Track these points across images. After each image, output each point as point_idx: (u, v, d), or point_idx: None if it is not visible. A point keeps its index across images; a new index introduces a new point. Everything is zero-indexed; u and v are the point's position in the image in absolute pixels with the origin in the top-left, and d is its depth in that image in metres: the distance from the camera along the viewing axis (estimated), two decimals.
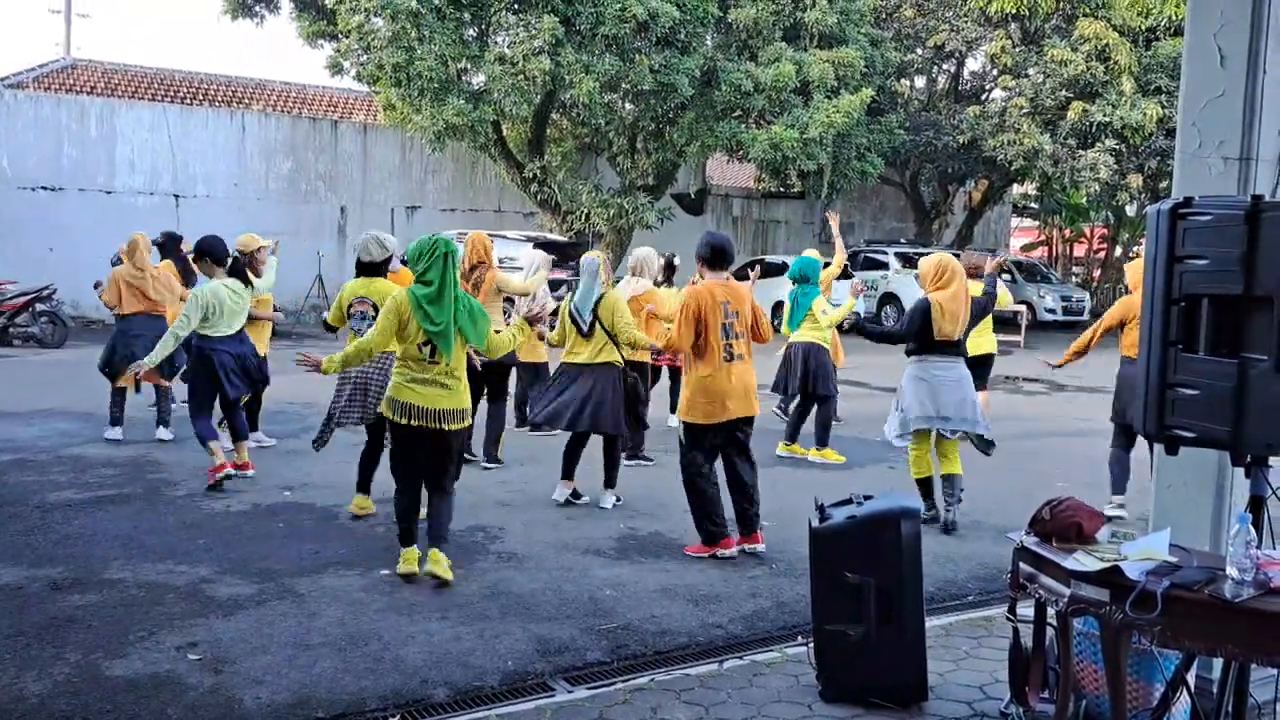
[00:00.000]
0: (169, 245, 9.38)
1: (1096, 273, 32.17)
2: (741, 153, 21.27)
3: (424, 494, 5.31)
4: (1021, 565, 3.27)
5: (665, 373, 9.38)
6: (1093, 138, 21.87)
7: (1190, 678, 3.32)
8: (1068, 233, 35.86)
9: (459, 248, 5.26)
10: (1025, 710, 3.46)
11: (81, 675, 4.04)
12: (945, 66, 26.42)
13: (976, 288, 7.11)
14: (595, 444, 6.98)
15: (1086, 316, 24.05)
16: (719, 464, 5.86)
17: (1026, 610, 3.45)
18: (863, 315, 8.78)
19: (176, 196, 20.06)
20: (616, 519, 6.56)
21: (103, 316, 10.24)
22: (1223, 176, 3.57)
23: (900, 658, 3.83)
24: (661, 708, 3.84)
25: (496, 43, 18.77)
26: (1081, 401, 12.67)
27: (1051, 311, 24.13)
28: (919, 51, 24.93)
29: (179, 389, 8.65)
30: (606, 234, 20.07)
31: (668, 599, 5.10)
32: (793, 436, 8.75)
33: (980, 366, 8.90)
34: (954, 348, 6.43)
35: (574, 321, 6.76)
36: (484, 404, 7.79)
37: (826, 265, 10.09)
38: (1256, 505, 2.93)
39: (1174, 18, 20.24)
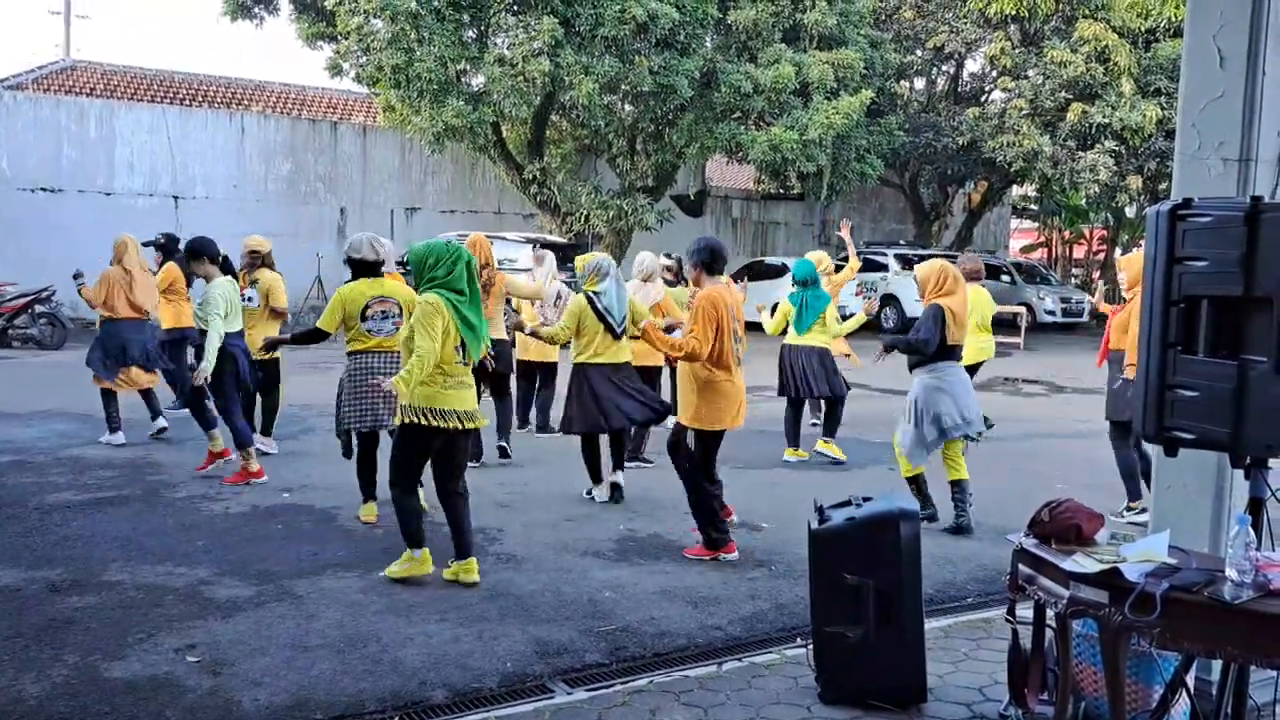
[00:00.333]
0: (170, 247, 9.37)
1: (1096, 274, 32.17)
2: (741, 154, 21.27)
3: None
4: (1020, 567, 3.27)
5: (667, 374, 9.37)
6: (1092, 139, 21.87)
7: (1190, 679, 3.32)
8: (1067, 234, 35.90)
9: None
10: (1024, 712, 3.46)
11: (80, 677, 4.03)
12: (945, 68, 26.43)
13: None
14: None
15: (1086, 318, 24.06)
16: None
17: (1026, 612, 3.44)
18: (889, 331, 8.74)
19: (176, 198, 20.06)
20: (616, 521, 6.56)
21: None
22: (1222, 178, 3.57)
23: (899, 659, 3.83)
24: (660, 709, 3.83)
25: (496, 44, 18.76)
26: (1081, 403, 12.66)
27: (1051, 313, 24.11)
28: (918, 53, 24.94)
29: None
30: (606, 235, 20.07)
31: (667, 601, 5.10)
32: (796, 440, 8.72)
33: (974, 371, 9.23)
34: (959, 352, 6.44)
35: (605, 323, 6.75)
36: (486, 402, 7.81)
37: (839, 268, 10.12)
38: (1256, 507, 2.93)
39: (1173, 19, 20.26)
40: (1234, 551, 2.77)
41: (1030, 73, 22.61)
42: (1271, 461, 2.90)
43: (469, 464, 7.82)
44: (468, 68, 19.09)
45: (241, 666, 4.17)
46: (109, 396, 8.47)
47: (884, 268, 22.16)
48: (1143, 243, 3.31)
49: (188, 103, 22.73)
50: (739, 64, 19.50)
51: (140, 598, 4.91)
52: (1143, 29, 21.51)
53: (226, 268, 7.38)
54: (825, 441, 8.60)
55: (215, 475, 7.31)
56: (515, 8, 18.35)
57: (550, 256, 8.93)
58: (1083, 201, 28.41)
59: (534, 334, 7.11)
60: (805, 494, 5.04)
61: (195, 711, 3.79)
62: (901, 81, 25.75)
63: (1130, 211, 28.61)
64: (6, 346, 15.07)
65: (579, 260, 7.03)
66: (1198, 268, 2.87)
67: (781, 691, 4.02)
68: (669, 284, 9.13)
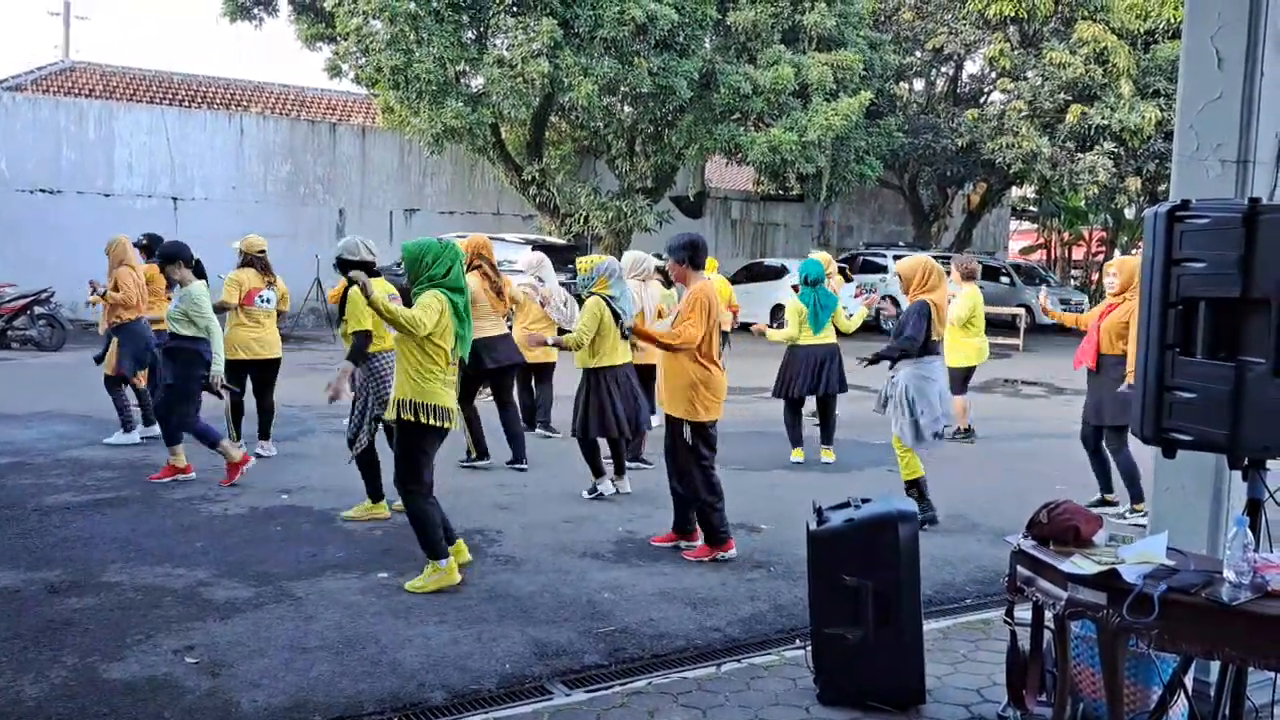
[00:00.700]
0: (154, 248, 9.34)
1: (1095, 275, 32.17)
2: (740, 155, 21.27)
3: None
4: (1019, 568, 3.27)
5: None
6: (1091, 140, 21.88)
7: (1188, 681, 3.32)
8: (1066, 235, 35.89)
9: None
10: (1023, 713, 3.46)
11: (79, 678, 4.03)
12: (944, 69, 26.43)
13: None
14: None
15: None
16: (661, 458, 6.03)
17: (1024, 613, 3.45)
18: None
19: (175, 199, 20.04)
20: (615, 522, 6.56)
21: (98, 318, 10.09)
22: (1220, 179, 3.57)
23: (898, 661, 3.83)
24: (659, 711, 3.84)
25: (495, 45, 18.77)
26: (1080, 404, 12.63)
27: None
28: (918, 54, 24.95)
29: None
30: (605, 237, 20.08)
31: (665, 602, 5.10)
32: (799, 440, 8.72)
33: (971, 374, 9.73)
34: (940, 346, 6.61)
35: (620, 325, 6.71)
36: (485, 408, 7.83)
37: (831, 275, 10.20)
38: (1254, 508, 2.93)
39: (1172, 20, 20.28)
40: (1232, 553, 2.76)
41: (1029, 74, 22.62)
42: (1269, 463, 2.90)
43: (479, 464, 7.89)
44: (467, 69, 19.10)
45: (240, 668, 4.17)
46: (120, 394, 8.49)
47: (883, 269, 22.16)
48: (1141, 244, 3.31)
49: (187, 104, 22.74)
50: (738, 65, 19.51)
51: (139, 599, 4.91)
52: (1141, 30, 21.53)
53: (199, 271, 7.41)
54: (826, 449, 8.64)
55: (214, 476, 7.29)
56: (514, 9, 18.35)
57: (546, 258, 8.90)
58: (1082, 203, 28.43)
59: (558, 345, 6.72)
60: (804, 495, 5.04)
61: (194, 713, 3.78)
62: (901, 83, 25.76)
63: (1129, 213, 28.64)
64: (6, 348, 15.06)
65: (580, 262, 6.95)
66: (1196, 269, 2.87)
67: (780, 693, 4.02)
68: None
